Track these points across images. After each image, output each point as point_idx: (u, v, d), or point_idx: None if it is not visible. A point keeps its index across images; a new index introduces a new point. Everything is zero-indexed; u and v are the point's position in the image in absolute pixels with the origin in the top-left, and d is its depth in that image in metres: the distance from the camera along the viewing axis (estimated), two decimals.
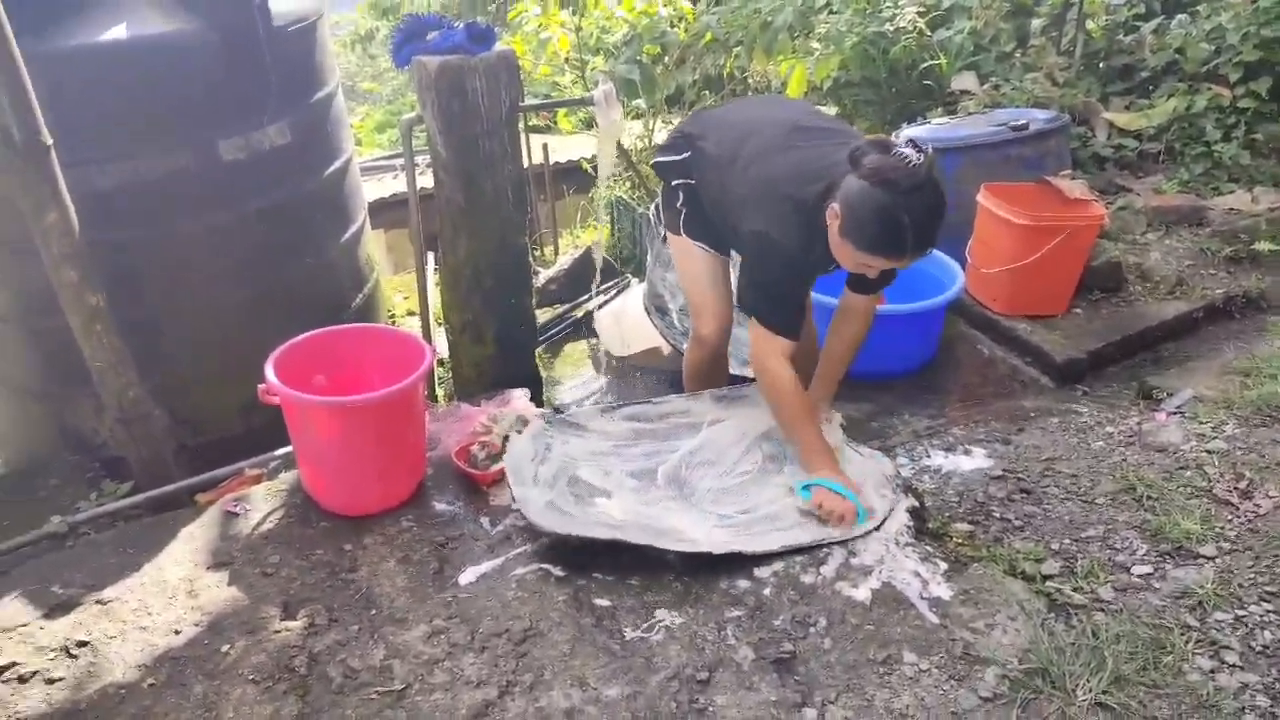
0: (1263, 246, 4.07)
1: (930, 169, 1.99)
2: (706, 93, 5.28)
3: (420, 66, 2.91)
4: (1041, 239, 3.52)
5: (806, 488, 2.36)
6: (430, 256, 3.97)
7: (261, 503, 2.48)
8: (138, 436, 2.75)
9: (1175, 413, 3.03)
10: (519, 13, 4.94)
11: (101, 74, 2.63)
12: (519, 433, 2.56)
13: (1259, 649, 1.97)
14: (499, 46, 3.07)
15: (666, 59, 4.77)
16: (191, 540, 2.35)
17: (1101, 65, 5.41)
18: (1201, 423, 2.92)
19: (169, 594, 2.17)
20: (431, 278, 3.89)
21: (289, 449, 2.55)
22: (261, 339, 2.46)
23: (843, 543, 2.23)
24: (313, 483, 2.42)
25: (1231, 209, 4.35)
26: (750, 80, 5.66)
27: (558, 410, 2.82)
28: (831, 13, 5.62)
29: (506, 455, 2.45)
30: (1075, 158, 4.73)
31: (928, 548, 2.27)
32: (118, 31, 2.67)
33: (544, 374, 3.64)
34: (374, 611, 2.10)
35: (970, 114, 4.74)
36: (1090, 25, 5.54)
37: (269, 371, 2.27)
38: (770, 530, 2.26)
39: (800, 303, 2.41)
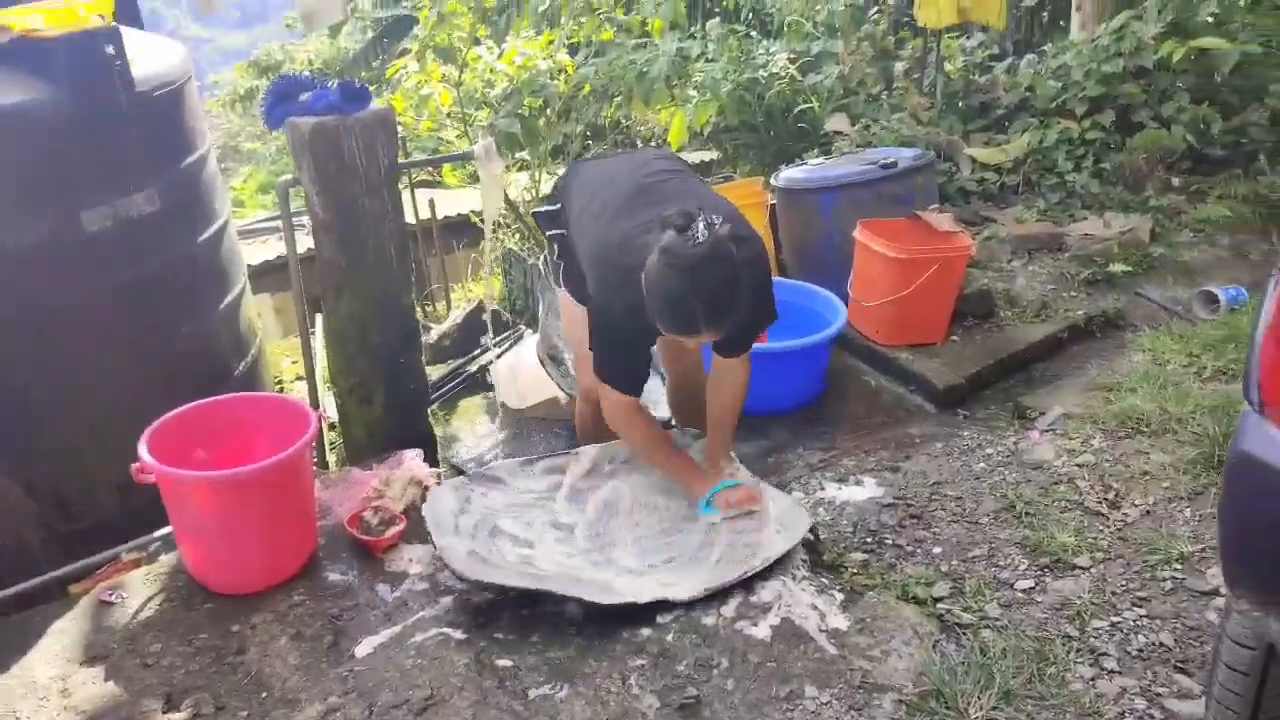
0: (1116, 268, 4.35)
1: (715, 246, 1.99)
2: (591, 142, 5.36)
3: (294, 128, 2.88)
4: (916, 271, 3.68)
5: (707, 504, 2.46)
6: (317, 319, 3.89)
7: (140, 588, 2.36)
8: None
9: (1047, 430, 3.19)
10: (397, 69, 4.94)
11: None
12: (437, 482, 2.52)
13: (1134, 653, 2.08)
14: (375, 105, 3.06)
15: (549, 111, 4.83)
16: (63, 635, 2.21)
17: (961, 104, 5.74)
18: (1071, 438, 3.08)
19: (39, 695, 2.03)
20: (319, 340, 3.81)
21: (169, 529, 2.44)
22: (138, 414, 2.36)
23: (744, 583, 2.26)
24: (195, 563, 2.32)
25: (1086, 234, 4.65)
26: (633, 129, 5.78)
27: (457, 471, 2.78)
28: (707, 61, 5.81)
29: (427, 505, 2.41)
30: (942, 192, 4.98)
31: (824, 580, 2.31)
32: None
33: (440, 431, 3.58)
34: (264, 694, 2.01)
35: (844, 154, 4.95)
36: (948, 67, 5.89)
37: (142, 449, 2.17)
38: (697, 570, 2.28)
39: (638, 363, 2.41)
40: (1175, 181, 5.17)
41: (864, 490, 2.97)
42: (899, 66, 5.97)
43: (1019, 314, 4.09)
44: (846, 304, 3.81)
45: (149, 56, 3.03)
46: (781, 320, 3.71)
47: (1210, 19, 5.45)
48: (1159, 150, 5.10)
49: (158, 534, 2.58)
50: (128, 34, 2.86)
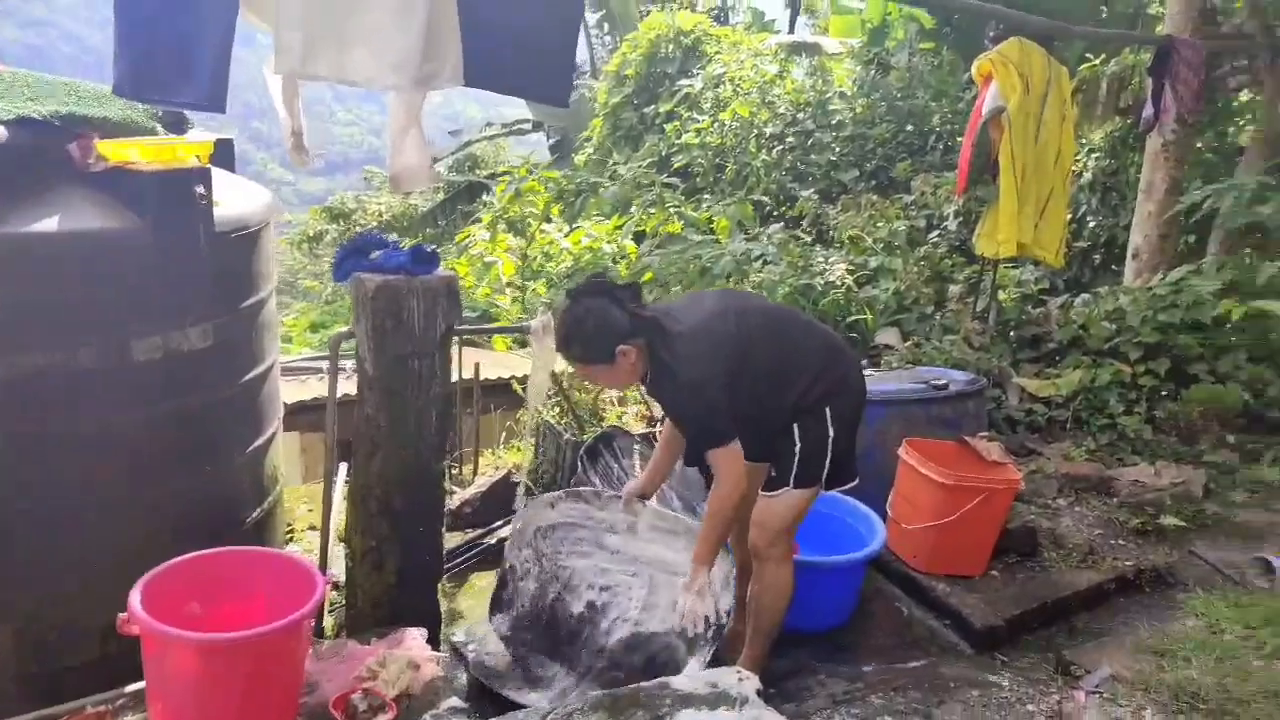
0: (1168, 521, 4.17)
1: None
2: None
3: (359, 283, 2.91)
4: (962, 499, 3.55)
5: None
6: (342, 467, 3.81)
7: None
8: None
9: (1094, 692, 2.95)
10: (467, 235, 5.10)
11: (18, 264, 2.55)
12: (436, 666, 2.50)
13: None
14: (442, 269, 3.10)
15: None
16: None
17: (1013, 334, 5.76)
18: (1121, 705, 2.85)
19: None
20: (339, 490, 3.72)
21: (140, 685, 2.27)
22: (135, 555, 2.26)
23: None
24: None
25: (1136, 480, 4.49)
26: None
27: (457, 653, 2.62)
28: (766, 263, 5.94)
29: None
30: (989, 418, 4.90)
31: None
32: (49, 224, 2.62)
33: (445, 605, 3.41)
34: None
35: (893, 368, 4.93)
36: (1001, 295, 5.95)
37: (134, 599, 2.06)
38: None
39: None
40: (1230, 438, 5.05)
41: None
42: (953, 289, 6.05)
43: (1064, 556, 3.90)
44: (885, 523, 3.66)
45: (235, 199, 3.11)
46: (817, 533, 3.60)
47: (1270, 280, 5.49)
48: (1215, 405, 5.01)
49: (129, 689, 2.40)
50: (218, 175, 2.96)
